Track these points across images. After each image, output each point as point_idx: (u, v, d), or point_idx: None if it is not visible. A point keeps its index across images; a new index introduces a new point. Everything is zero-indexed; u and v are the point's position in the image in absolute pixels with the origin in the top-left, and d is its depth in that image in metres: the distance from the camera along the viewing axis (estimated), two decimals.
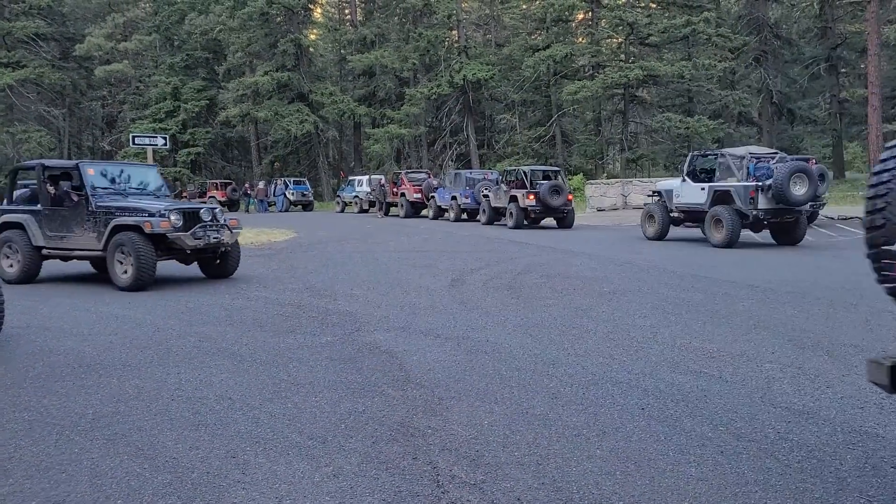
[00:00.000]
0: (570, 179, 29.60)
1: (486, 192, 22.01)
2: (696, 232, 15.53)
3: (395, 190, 28.01)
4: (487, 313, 7.18)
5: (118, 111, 47.09)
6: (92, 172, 9.70)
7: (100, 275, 10.40)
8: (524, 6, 41.50)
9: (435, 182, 26.87)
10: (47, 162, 10.18)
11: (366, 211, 31.85)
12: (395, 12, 42.27)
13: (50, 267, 10.90)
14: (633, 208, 25.08)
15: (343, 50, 45.09)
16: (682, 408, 4.14)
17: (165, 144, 17.90)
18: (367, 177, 33.63)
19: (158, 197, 10.28)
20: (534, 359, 5.31)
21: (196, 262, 10.20)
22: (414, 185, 27.15)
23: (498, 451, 3.52)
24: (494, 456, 3.46)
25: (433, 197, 25.70)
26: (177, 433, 3.82)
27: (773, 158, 13.73)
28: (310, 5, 44.35)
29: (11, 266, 9.92)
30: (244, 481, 3.21)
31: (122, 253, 8.96)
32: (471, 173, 25.37)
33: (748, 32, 36.06)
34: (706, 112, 36.78)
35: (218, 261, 9.98)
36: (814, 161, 16.59)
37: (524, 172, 20.42)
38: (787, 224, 13.55)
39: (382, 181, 29.69)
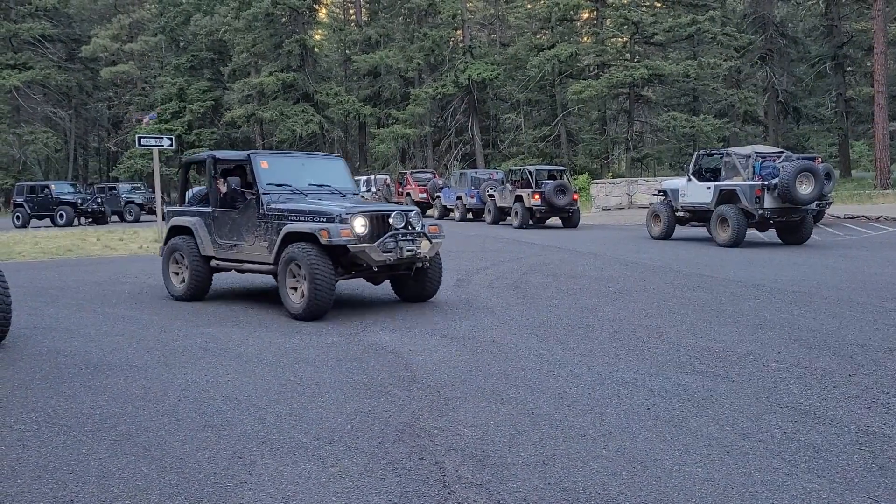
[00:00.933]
0: (575, 179, 29.57)
1: (491, 191, 22.01)
2: (701, 231, 15.49)
3: (399, 190, 28.03)
4: (493, 313, 7.18)
5: (124, 112, 47.21)
6: (265, 166, 7.77)
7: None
8: (529, 6, 41.50)
9: (440, 182, 26.88)
10: (219, 154, 8.43)
11: None
12: (400, 12, 42.29)
13: (57, 268, 10.91)
14: (639, 208, 25.04)
15: (348, 50, 45.13)
16: (689, 408, 4.14)
17: (171, 145, 17.90)
18: (372, 177, 33.66)
19: (345, 196, 8.09)
20: (539, 359, 5.30)
21: (387, 281, 8.14)
22: (419, 185, 27.17)
23: (504, 452, 3.52)
24: (501, 456, 3.47)
25: (438, 197, 25.71)
26: (183, 434, 3.84)
27: (778, 157, 13.69)
28: (314, 6, 44.36)
29: (182, 280, 8.29)
30: (250, 482, 3.22)
31: (294, 269, 7.04)
32: (476, 173, 25.38)
33: (754, 31, 35.98)
34: (711, 111, 36.69)
35: (414, 279, 7.81)
36: (820, 160, 16.52)
37: (529, 172, 20.40)
38: (793, 223, 13.50)
39: (387, 181, 29.71)
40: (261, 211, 7.52)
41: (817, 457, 3.40)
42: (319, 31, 48.46)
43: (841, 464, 3.32)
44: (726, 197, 13.57)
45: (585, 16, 38.77)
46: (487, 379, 4.81)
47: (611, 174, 35.79)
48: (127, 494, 3.10)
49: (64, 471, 3.36)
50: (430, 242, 7.47)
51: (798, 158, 14.06)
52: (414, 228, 7.45)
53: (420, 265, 7.55)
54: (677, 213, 14.94)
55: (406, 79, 43.16)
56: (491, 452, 3.51)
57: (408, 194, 27.11)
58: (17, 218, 27.31)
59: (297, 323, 6.86)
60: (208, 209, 8.17)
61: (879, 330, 5.99)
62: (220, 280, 10.10)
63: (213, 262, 8.17)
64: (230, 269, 8.24)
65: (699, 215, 14.51)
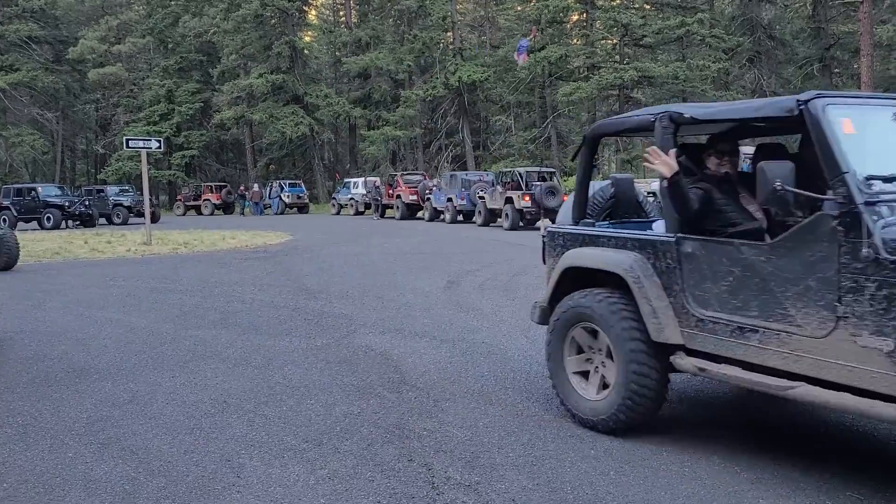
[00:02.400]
0: (565, 181, 29.62)
1: (481, 193, 22.04)
2: None
3: (390, 192, 28.02)
4: (483, 315, 7.19)
5: (112, 114, 46.95)
6: (849, 129, 2.98)
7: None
8: (519, 8, 41.52)
9: (430, 184, 26.89)
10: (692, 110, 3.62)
11: (361, 213, 31.84)
12: (390, 14, 42.28)
13: (44, 271, 10.80)
14: None
15: (338, 52, 45.09)
16: (679, 408, 4.15)
17: (160, 147, 17.82)
18: (362, 179, 33.62)
19: None
20: (529, 360, 5.31)
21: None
22: (409, 187, 27.17)
23: (493, 453, 3.52)
24: (490, 457, 3.46)
25: (429, 199, 25.71)
26: (171, 437, 3.81)
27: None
28: (304, 7, 44.32)
29: (602, 386, 3.79)
30: (239, 484, 3.21)
31: None
32: (466, 175, 25.41)
33: (742, 33, 36.15)
34: None
35: None
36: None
37: (519, 174, 20.46)
38: None
39: (378, 183, 29.69)
40: (861, 248, 2.79)
41: (802, 445, 3.42)
42: (309, 32, 48.37)
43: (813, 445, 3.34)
44: None
45: (575, 18, 38.85)
46: (477, 380, 4.81)
47: (601, 176, 35.87)
48: (114, 499, 3.08)
49: (50, 475, 3.34)
50: None
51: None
52: None
53: None
54: None
55: (396, 80, 43.15)
56: (480, 453, 3.51)
57: (398, 196, 27.10)
58: (4, 221, 27.07)
59: (286, 325, 6.84)
60: (662, 234, 3.68)
61: None
62: (213, 283, 10.05)
63: (684, 360, 3.48)
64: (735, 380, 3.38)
65: None
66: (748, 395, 4.34)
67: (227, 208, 37.68)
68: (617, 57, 35.38)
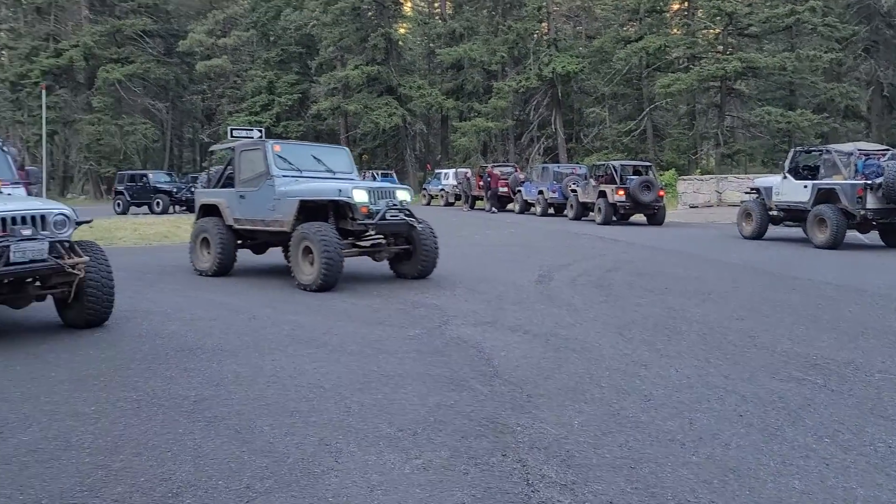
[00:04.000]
0: (661, 175, 28.80)
1: (573, 186, 21.71)
2: (796, 231, 14.83)
3: (480, 183, 28.02)
4: (576, 310, 7.08)
5: (217, 104, 49.01)
6: None
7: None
8: None
9: (521, 176, 26.71)
10: None
11: (451, 204, 32.00)
12: (485, 5, 42.19)
13: (154, 253, 11.38)
14: (729, 206, 24.18)
15: (432, 43, 45.38)
16: (784, 416, 3.96)
17: (261, 137, 18.47)
18: (453, 170, 33.77)
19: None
20: (624, 359, 5.19)
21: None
22: (500, 179, 27.07)
23: (589, 453, 3.46)
24: (585, 457, 3.41)
25: (520, 191, 25.56)
26: (272, 419, 3.95)
27: (883, 155, 12.94)
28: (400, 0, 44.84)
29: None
30: (337, 469, 3.28)
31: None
32: (558, 167, 25.11)
33: (858, 21, 34.07)
34: (809, 106, 34.97)
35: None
36: None
37: (614, 167, 20.02)
38: None
39: (468, 174, 29.74)
40: None
41: None
42: (404, 24, 48.90)
43: None
44: (825, 196, 12.93)
45: (675, 7, 37.60)
46: (570, 377, 4.74)
47: (699, 170, 34.67)
48: (221, 475, 3.21)
49: (162, 449, 3.52)
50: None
51: None
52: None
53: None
54: (771, 212, 14.36)
55: (489, 72, 43.05)
56: (575, 452, 3.46)
57: (489, 188, 27.06)
58: (118, 205, 28.76)
59: (380, 314, 6.95)
60: None
61: None
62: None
63: None
64: None
65: (794, 215, 13.90)
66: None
67: None
68: (720, 47, 34.05)
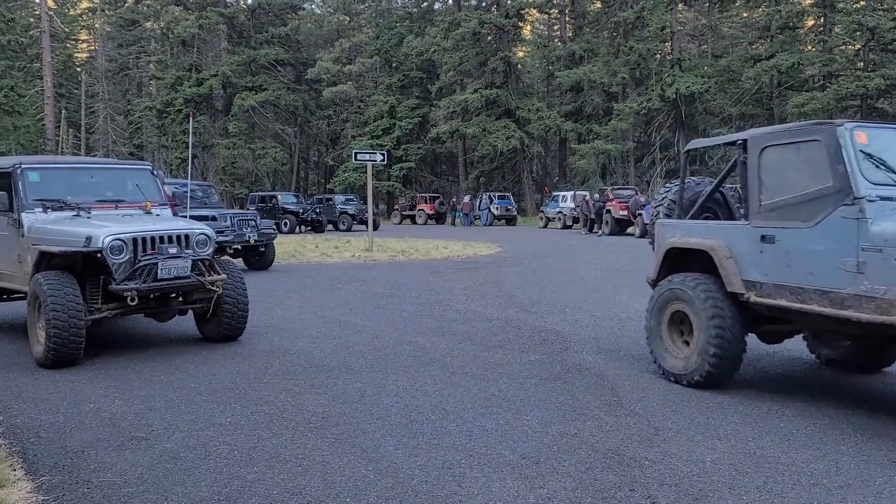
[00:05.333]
0: None
1: None
2: None
3: (599, 206, 27.51)
4: None
5: (341, 129, 50.99)
6: None
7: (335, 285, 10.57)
8: (745, 14, 39.03)
9: (642, 199, 26.04)
10: None
11: (569, 227, 31.62)
12: (606, 26, 41.69)
13: (283, 271, 11.86)
14: None
15: (551, 66, 45.28)
16: None
17: (384, 160, 19.05)
18: (571, 192, 33.40)
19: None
20: (758, 394, 4.90)
21: None
22: (620, 202, 26.51)
23: (724, 493, 3.28)
24: (720, 497, 3.23)
25: (640, 214, 24.89)
26: (396, 439, 4.00)
27: None
28: (519, 23, 45.10)
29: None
30: (461, 493, 3.27)
31: None
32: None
33: None
34: None
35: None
36: None
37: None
38: None
39: (587, 197, 29.31)
40: None
41: None
42: (523, 48, 49.13)
43: None
44: None
45: (810, 23, 35.71)
46: (701, 411, 4.52)
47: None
48: (348, 493, 3.28)
49: (292, 464, 3.64)
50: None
51: None
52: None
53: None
54: None
55: (609, 93, 42.42)
56: (709, 492, 3.29)
57: (608, 211, 26.54)
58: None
59: (499, 337, 6.94)
60: None
61: None
62: (430, 291, 10.48)
63: None
64: None
65: None
66: None
67: (438, 218, 39.33)
68: (860, 64, 31.95)
